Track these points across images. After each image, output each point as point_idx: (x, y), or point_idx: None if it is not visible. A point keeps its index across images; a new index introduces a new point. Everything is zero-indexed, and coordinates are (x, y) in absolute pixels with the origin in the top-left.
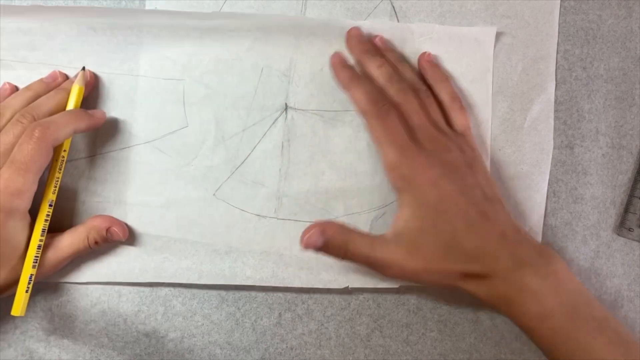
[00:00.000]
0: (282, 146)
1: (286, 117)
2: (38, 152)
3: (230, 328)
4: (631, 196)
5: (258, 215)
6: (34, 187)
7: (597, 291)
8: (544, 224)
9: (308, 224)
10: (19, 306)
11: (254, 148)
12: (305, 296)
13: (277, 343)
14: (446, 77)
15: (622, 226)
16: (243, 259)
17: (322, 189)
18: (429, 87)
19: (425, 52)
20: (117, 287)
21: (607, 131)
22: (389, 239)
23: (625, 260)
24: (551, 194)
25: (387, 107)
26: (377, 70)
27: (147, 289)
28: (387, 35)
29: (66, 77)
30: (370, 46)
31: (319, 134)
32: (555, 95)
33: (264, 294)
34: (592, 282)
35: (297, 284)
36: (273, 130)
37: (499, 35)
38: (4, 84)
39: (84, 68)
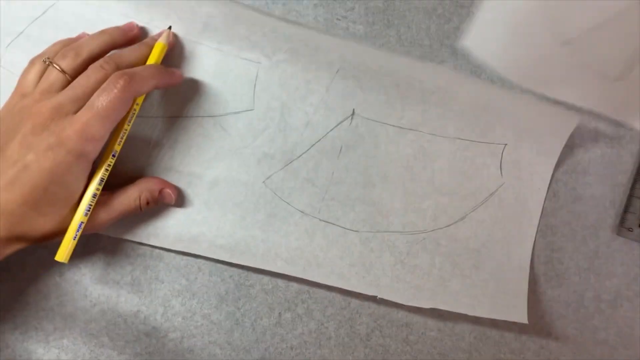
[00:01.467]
0: (341, 150)
1: (351, 122)
2: (120, 101)
3: (230, 328)
4: (631, 196)
5: (302, 211)
6: (107, 137)
7: (596, 291)
8: (545, 224)
9: (348, 232)
10: (64, 252)
11: (313, 146)
12: (305, 296)
13: (277, 343)
14: None
15: (622, 226)
16: (276, 251)
17: (370, 201)
18: None
19: None
20: (115, 288)
21: (607, 131)
22: None
23: (625, 260)
24: (551, 194)
25: None
26: None
27: (145, 289)
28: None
29: (141, 31)
30: None
31: (379, 146)
32: None
33: (263, 294)
34: (592, 282)
35: (325, 282)
36: (335, 133)
37: None
38: (82, 33)
39: (170, 27)
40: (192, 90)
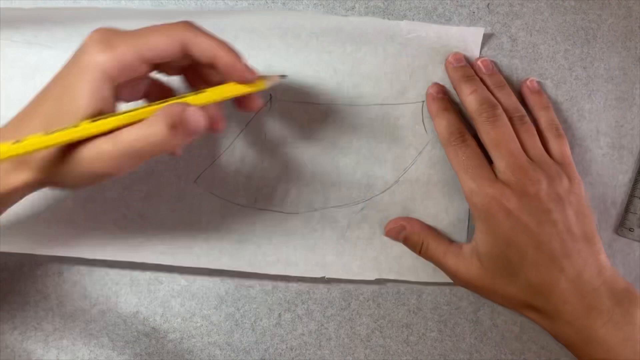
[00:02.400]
0: (265, 136)
1: (270, 107)
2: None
3: (229, 329)
4: (631, 196)
5: (238, 204)
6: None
7: None
8: None
9: (287, 216)
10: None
11: (237, 137)
12: (305, 296)
13: (277, 343)
14: (547, 105)
15: (623, 226)
16: (220, 248)
17: (303, 181)
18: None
19: (529, 78)
20: (114, 289)
21: (607, 131)
22: (463, 253)
23: (626, 260)
24: None
25: (462, 136)
26: (468, 97)
27: (144, 290)
28: (374, 31)
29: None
30: (466, 71)
31: (302, 126)
32: (555, 95)
33: (263, 294)
34: None
35: (272, 272)
36: (256, 120)
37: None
38: None
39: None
40: None
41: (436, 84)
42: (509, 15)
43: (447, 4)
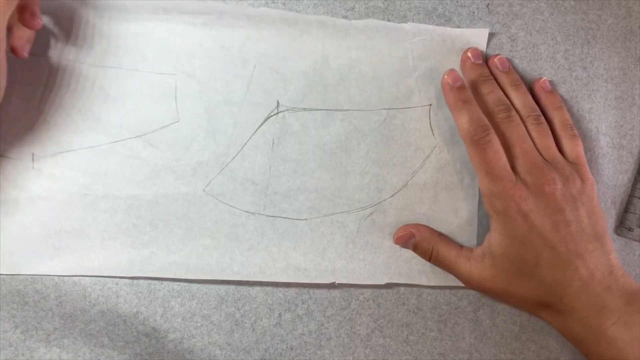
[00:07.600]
0: (273, 143)
1: (277, 114)
2: None
3: (230, 329)
4: (631, 196)
5: (247, 211)
6: None
7: None
8: None
9: (296, 222)
10: None
11: (245, 144)
12: (305, 296)
13: (277, 343)
14: (560, 104)
15: (622, 226)
16: (230, 255)
17: (312, 187)
18: (544, 113)
19: (541, 78)
20: (114, 289)
21: (607, 131)
22: (475, 256)
23: (625, 260)
24: None
25: (487, 136)
26: (485, 97)
27: (144, 290)
28: (379, 35)
29: None
30: (484, 71)
31: (310, 132)
32: None
33: (263, 294)
34: None
35: (284, 279)
36: (264, 127)
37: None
38: None
39: None
40: (114, 114)
41: (452, 71)
42: (509, 15)
43: (447, 4)
